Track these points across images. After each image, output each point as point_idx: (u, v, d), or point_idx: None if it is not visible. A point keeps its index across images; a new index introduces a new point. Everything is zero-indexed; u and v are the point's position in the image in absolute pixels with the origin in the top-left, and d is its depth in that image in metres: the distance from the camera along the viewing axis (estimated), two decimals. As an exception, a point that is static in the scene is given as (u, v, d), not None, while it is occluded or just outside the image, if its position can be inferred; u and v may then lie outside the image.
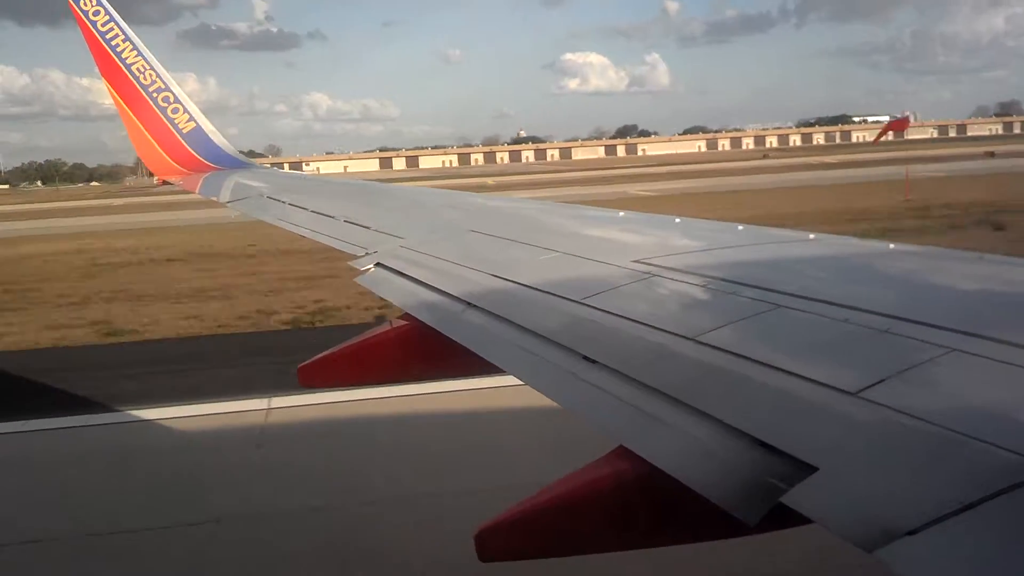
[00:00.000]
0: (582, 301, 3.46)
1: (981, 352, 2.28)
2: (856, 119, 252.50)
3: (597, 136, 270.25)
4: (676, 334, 2.90)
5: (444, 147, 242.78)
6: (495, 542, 2.71)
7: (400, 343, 4.38)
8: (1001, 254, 3.44)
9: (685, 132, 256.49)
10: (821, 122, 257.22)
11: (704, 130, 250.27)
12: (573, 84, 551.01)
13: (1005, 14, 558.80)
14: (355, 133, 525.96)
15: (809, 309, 2.87)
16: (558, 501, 2.65)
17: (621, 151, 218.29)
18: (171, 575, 8.73)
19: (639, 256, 3.93)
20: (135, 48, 10.71)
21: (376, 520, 9.54)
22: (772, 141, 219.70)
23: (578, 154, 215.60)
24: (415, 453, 11.48)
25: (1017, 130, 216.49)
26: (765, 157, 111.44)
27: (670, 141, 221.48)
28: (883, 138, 59.37)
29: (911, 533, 1.65)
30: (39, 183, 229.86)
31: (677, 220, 5.03)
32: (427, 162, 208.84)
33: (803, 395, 2.29)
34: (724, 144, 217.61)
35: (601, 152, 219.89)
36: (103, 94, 10.75)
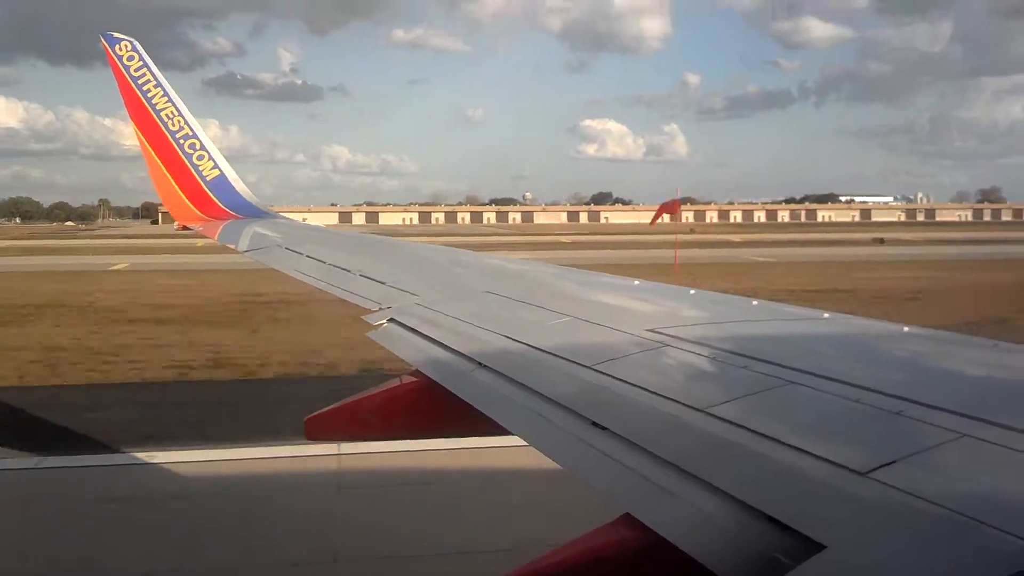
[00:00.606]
0: (594, 367, 3.46)
1: (992, 438, 2.28)
2: (843, 198, 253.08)
3: (576, 201, 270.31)
4: (687, 405, 2.90)
5: (416, 204, 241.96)
6: None
7: (409, 399, 4.38)
8: (1014, 343, 3.45)
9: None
10: (809, 199, 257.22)
11: (693, 201, 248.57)
12: (591, 149, 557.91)
13: (1023, 102, 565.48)
14: (373, 186, 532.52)
15: (821, 387, 2.86)
16: (561, 566, 2.63)
17: (584, 218, 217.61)
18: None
19: (653, 325, 3.94)
20: (166, 94, 10.94)
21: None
22: (736, 216, 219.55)
23: (540, 219, 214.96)
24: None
25: (987, 217, 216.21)
26: (692, 232, 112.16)
27: (634, 211, 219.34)
28: (659, 221, 57.91)
29: None
30: (17, 219, 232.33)
31: (692, 292, 5.06)
32: (387, 219, 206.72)
33: (813, 472, 2.28)
34: (688, 217, 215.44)
35: (564, 218, 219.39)
36: (124, 135, 11.15)
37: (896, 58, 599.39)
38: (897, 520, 1.99)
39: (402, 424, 4.57)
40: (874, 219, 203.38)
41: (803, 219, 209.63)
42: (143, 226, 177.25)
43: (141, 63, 10.83)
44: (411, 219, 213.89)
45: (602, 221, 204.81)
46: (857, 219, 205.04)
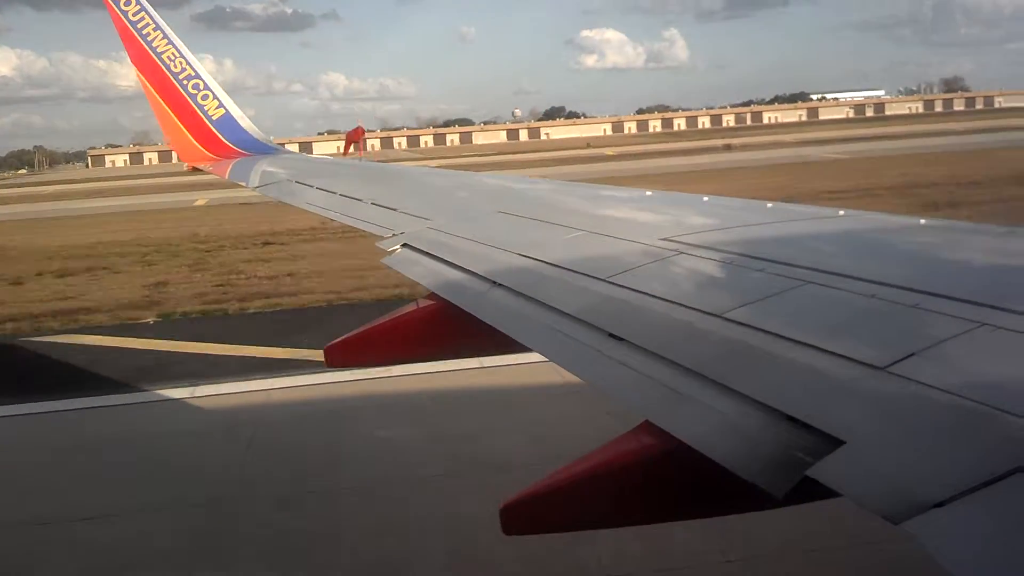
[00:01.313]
0: (608, 279, 3.45)
1: (1011, 325, 2.25)
2: (815, 96, 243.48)
3: (532, 118, 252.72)
4: (702, 311, 2.89)
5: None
6: (519, 516, 2.73)
7: (426, 322, 4.40)
8: None
9: (639, 112, 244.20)
10: (780, 99, 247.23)
11: (670, 109, 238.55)
12: (591, 60, 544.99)
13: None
14: (372, 112, 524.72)
15: (837, 285, 2.85)
16: (583, 475, 2.66)
17: (524, 135, 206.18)
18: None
19: (666, 234, 3.92)
20: (166, 36, 10.83)
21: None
22: (705, 121, 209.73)
23: (479, 139, 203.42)
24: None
25: (939, 108, 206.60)
26: (587, 146, 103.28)
27: (575, 124, 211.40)
28: (351, 150, 53.69)
29: (938, 505, 1.64)
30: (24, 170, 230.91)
31: (705, 199, 5.01)
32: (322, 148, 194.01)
33: (830, 370, 2.28)
34: (656, 125, 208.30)
35: (503, 136, 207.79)
36: (119, 75, 10.97)
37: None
38: (917, 413, 1.99)
39: (421, 347, 4.61)
40: (821, 117, 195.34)
41: (748, 122, 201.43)
42: (82, 171, 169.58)
43: (139, 7, 10.71)
44: (375, 145, 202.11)
45: (542, 138, 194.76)
46: (804, 118, 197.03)
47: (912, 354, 2.20)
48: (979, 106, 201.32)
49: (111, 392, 13.75)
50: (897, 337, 2.36)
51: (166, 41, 10.85)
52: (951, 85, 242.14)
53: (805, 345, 2.44)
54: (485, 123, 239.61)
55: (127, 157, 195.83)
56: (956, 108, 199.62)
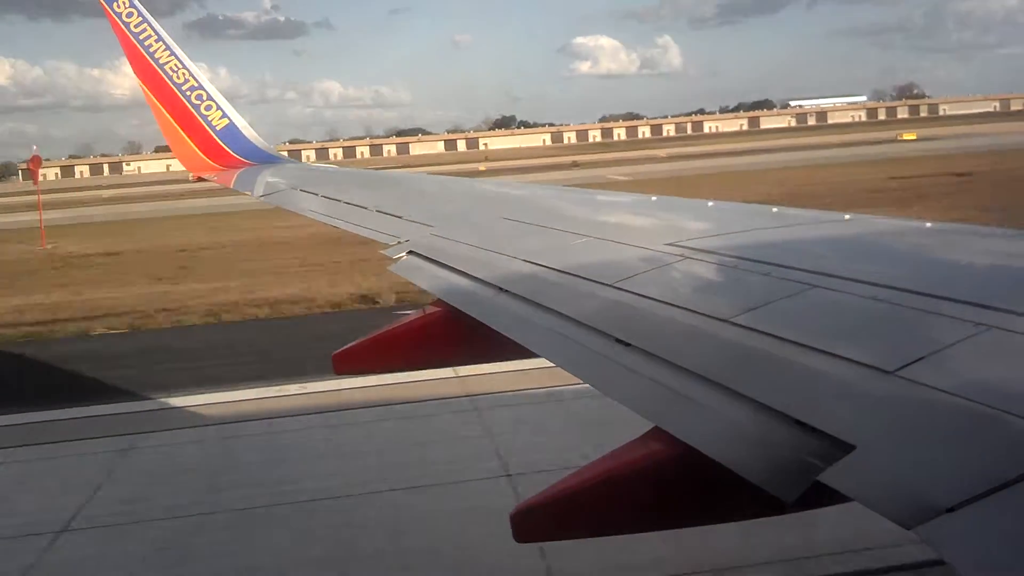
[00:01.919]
0: (615, 285, 3.45)
1: (1018, 328, 2.24)
2: (795, 103, 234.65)
3: (486, 127, 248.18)
4: (710, 316, 2.88)
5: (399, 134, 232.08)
6: (531, 523, 2.72)
7: (433, 329, 4.41)
8: None
9: (601, 120, 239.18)
10: (743, 106, 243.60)
11: (637, 117, 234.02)
12: (584, 67, 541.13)
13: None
14: (368, 119, 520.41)
15: (845, 289, 2.84)
16: (593, 482, 2.65)
17: (463, 146, 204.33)
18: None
19: (672, 239, 3.91)
20: (168, 47, 10.82)
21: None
22: (670, 129, 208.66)
23: (416, 149, 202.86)
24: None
25: (882, 116, 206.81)
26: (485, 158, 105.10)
27: (531, 133, 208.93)
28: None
29: (950, 510, 1.64)
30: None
31: (710, 204, 5.00)
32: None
33: (840, 375, 2.27)
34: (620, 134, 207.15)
35: (441, 147, 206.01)
36: (113, 84, 10.90)
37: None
38: (926, 417, 1.98)
39: (428, 353, 4.62)
40: (763, 126, 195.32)
41: (689, 131, 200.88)
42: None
43: (140, 18, 10.70)
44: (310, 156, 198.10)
45: (481, 148, 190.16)
46: (745, 127, 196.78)
47: (921, 358, 2.19)
48: (923, 113, 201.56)
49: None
50: (905, 341, 2.35)
51: (168, 52, 10.84)
52: (904, 92, 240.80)
53: (813, 349, 2.43)
54: (449, 131, 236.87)
55: (86, 168, 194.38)
56: (900, 116, 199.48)
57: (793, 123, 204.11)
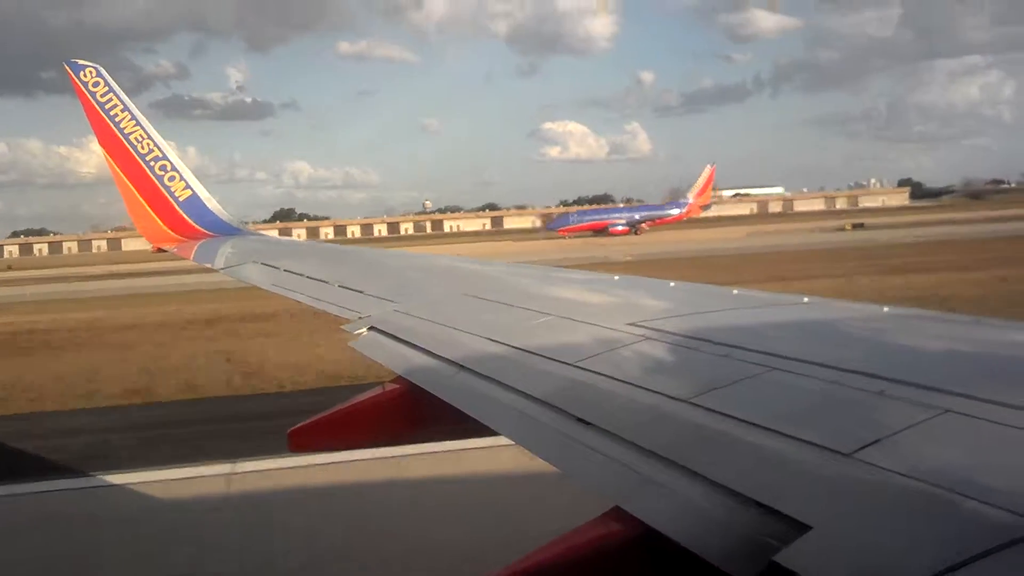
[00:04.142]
0: (576, 364, 3.46)
1: (975, 412, 2.29)
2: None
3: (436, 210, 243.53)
4: (671, 396, 2.91)
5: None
6: None
7: (393, 406, 4.37)
8: (999, 319, 3.48)
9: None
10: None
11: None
12: (554, 152, 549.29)
13: (978, 83, 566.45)
14: (339, 200, 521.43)
15: (804, 371, 2.88)
16: (552, 560, 2.62)
17: (384, 230, 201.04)
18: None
19: (633, 319, 3.95)
20: (134, 117, 10.86)
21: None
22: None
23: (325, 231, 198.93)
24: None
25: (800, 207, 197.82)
26: None
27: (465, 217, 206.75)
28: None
29: None
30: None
31: (672, 284, 5.07)
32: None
33: (798, 456, 2.30)
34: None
35: (357, 231, 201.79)
36: (80, 162, 10.90)
37: (846, 45, 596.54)
38: (882, 498, 2.01)
39: (387, 431, 4.56)
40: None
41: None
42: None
43: (107, 88, 10.75)
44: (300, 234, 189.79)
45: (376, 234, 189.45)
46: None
47: (877, 440, 2.23)
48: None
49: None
50: (862, 423, 2.39)
51: (134, 122, 10.88)
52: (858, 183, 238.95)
53: (771, 431, 2.46)
54: (403, 214, 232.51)
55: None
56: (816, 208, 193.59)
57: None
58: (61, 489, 13.46)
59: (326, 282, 6.97)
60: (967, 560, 1.66)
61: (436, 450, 12.24)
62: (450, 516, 11.15)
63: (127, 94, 10.89)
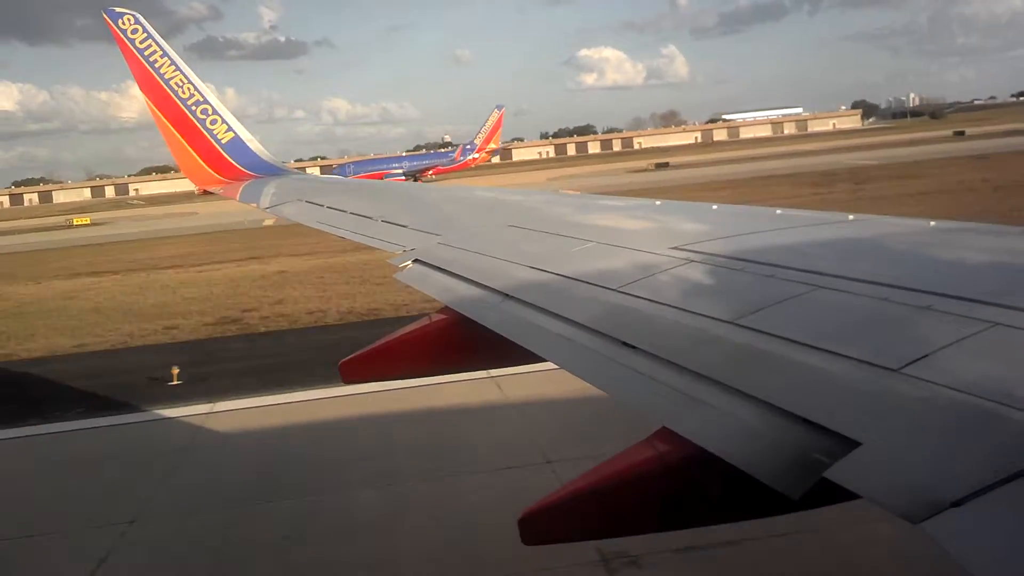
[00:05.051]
0: (620, 289, 3.46)
1: (1023, 324, 2.26)
2: (598, 131, 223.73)
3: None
4: (716, 318, 2.90)
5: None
6: (539, 525, 2.73)
7: (439, 336, 4.43)
8: None
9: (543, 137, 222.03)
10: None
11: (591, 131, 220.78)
12: (590, 79, 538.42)
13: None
14: (378, 136, 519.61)
15: (849, 289, 2.85)
16: (601, 484, 2.67)
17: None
18: None
19: (677, 243, 3.93)
20: (173, 63, 10.88)
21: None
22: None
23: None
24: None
25: (789, 131, 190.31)
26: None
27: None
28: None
29: (956, 504, 1.65)
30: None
31: (715, 207, 5.01)
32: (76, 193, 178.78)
33: (845, 373, 2.29)
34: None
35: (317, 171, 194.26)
36: (122, 108, 10.98)
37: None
38: (931, 413, 2.00)
39: (435, 360, 4.64)
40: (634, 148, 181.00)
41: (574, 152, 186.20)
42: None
43: (146, 35, 10.76)
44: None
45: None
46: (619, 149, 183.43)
47: (925, 355, 2.21)
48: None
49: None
50: (910, 339, 2.36)
51: (173, 67, 10.91)
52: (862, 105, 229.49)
53: (818, 349, 2.45)
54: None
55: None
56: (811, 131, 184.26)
57: (699, 139, 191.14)
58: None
59: (369, 217, 7.01)
60: (1018, 473, 1.66)
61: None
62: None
63: (162, 36, 10.90)
